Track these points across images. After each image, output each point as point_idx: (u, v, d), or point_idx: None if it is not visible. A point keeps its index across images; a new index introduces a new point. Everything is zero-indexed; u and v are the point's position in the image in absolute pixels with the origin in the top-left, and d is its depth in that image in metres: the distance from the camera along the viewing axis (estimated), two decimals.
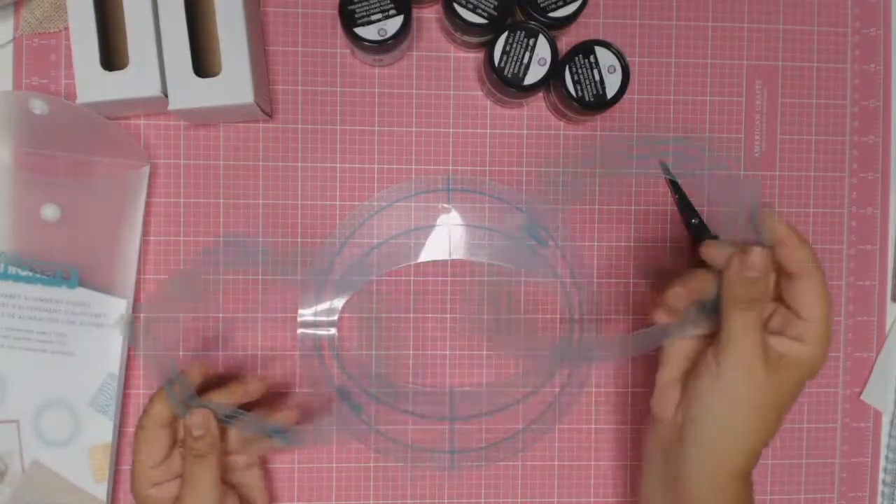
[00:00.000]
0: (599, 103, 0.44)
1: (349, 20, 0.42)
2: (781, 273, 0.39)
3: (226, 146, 0.47)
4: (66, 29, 0.46)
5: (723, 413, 0.38)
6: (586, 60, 0.44)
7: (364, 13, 0.42)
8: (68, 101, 0.43)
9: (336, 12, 0.42)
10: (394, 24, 0.42)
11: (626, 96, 0.44)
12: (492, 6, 0.43)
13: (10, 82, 0.46)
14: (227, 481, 0.44)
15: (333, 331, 0.48)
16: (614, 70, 0.44)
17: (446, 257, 0.48)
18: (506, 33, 0.43)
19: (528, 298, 0.49)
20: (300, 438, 0.44)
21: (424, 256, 0.48)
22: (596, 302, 0.49)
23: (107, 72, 0.42)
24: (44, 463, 0.46)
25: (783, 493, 0.51)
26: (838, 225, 0.51)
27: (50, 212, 0.45)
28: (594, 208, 0.49)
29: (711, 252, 0.40)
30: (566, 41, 0.48)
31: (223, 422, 0.41)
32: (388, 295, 0.48)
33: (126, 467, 0.47)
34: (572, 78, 0.44)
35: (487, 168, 0.49)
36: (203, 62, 0.44)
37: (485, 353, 0.49)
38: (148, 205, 0.47)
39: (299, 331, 0.48)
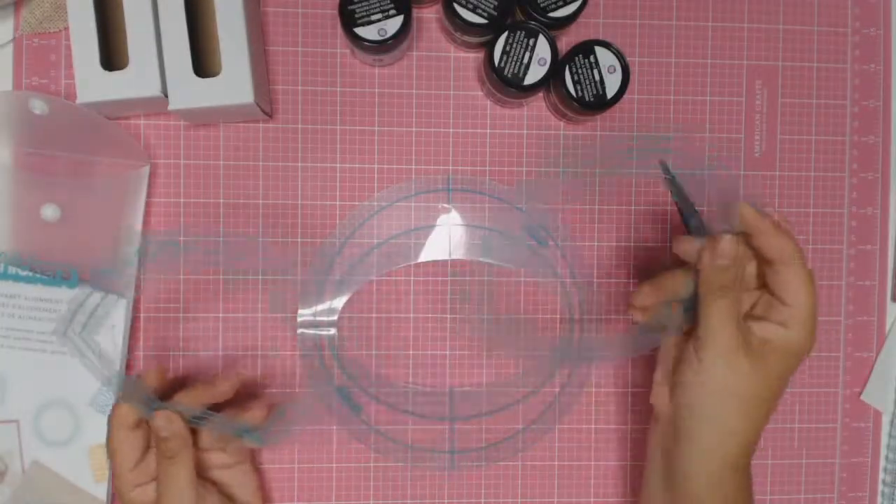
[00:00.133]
0: (599, 103, 0.44)
1: (349, 20, 0.42)
2: (763, 261, 0.39)
3: (226, 146, 0.47)
4: (66, 29, 0.46)
5: (708, 407, 0.38)
6: (586, 60, 0.44)
7: (364, 13, 0.42)
8: (68, 101, 0.43)
9: (336, 12, 0.42)
10: (394, 24, 0.42)
11: (626, 96, 0.44)
12: (492, 6, 0.43)
13: (10, 82, 0.46)
14: (208, 479, 0.43)
15: (333, 331, 0.48)
16: (614, 70, 0.44)
17: (446, 257, 0.48)
18: (506, 33, 0.43)
19: (528, 298, 0.49)
20: (271, 437, 0.44)
21: (424, 256, 0.48)
22: (596, 302, 0.49)
23: (107, 72, 0.42)
24: (44, 463, 0.46)
25: (783, 493, 0.51)
26: (838, 225, 0.51)
27: (50, 212, 0.45)
28: (594, 208, 0.49)
29: (684, 247, 0.40)
30: (566, 41, 0.48)
31: (192, 423, 0.41)
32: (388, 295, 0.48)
33: None
34: (572, 78, 0.44)
35: (487, 168, 0.49)
36: (203, 62, 0.44)
37: (485, 353, 0.49)
38: (148, 205, 0.47)
39: (299, 331, 0.48)
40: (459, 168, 0.49)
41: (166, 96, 0.43)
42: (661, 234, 0.50)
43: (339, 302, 0.48)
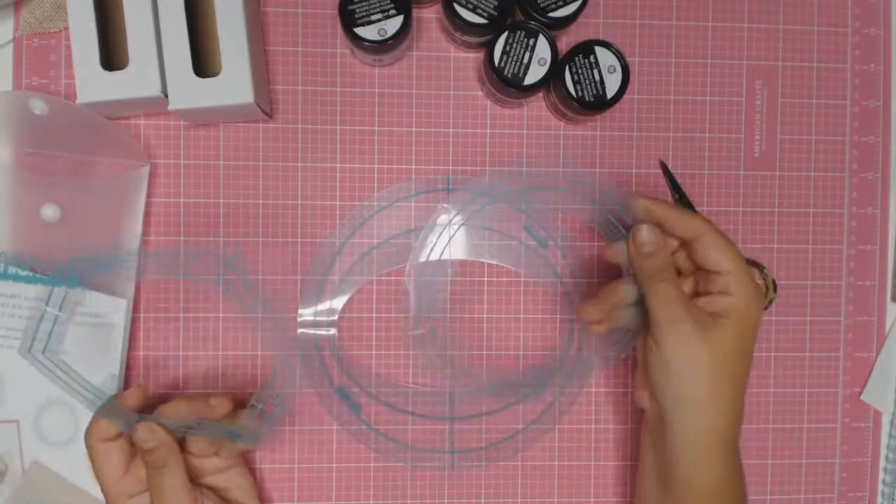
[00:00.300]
0: (599, 103, 0.44)
1: (349, 20, 0.42)
2: (684, 246, 0.41)
3: (226, 146, 0.47)
4: (66, 29, 0.46)
5: (678, 388, 0.40)
6: (586, 60, 0.44)
7: (364, 13, 0.42)
8: (68, 101, 0.43)
9: (336, 12, 0.42)
10: (394, 24, 0.42)
11: (626, 96, 0.44)
12: (492, 6, 0.43)
13: (10, 82, 0.46)
14: (202, 484, 0.43)
15: (333, 331, 0.48)
16: (614, 70, 0.44)
17: (446, 257, 0.48)
18: (506, 33, 0.43)
19: (527, 298, 0.49)
20: (263, 437, 0.44)
21: (424, 256, 0.48)
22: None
23: (107, 72, 0.42)
24: (44, 463, 0.46)
25: (783, 493, 0.51)
26: (838, 225, 0.51)
27: (50, 212, 0.45)
28: (594, 209, 0.49)
29: (612, 251, 0.42)
30: (566, 41, 0.48)
31: (181, 432, 0.41)
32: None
33: None
34: (572, 78, 0.44)
35: (487, 168, 0.49)
36: (203, 62, 0.44)
37: (485, 353, 0.49)
38: (148, 205, 0.47)
39: (299, 331, 0.48)
40: (459, 168, 0.49)
41: (166, 96, 0.43)
42: None
43: (339, 302, 0.48)
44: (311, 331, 0.48)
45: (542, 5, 0.43)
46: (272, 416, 0.42)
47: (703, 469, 0.40)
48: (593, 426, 0.50)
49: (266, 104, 0.46)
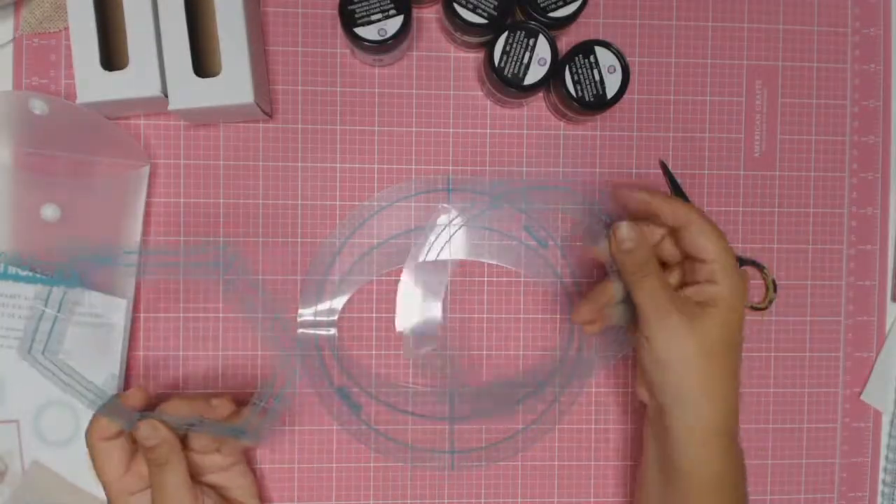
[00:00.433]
0: (599, 103, 0.44)
1: (349, 20, 0.42)
2: (672, 234, 0.42)
3: (226, 146, 0.47)
4: (66, 29, 0.46)
5: (671, 380, 0.40)
6: (586, 60, 0.44)
7: (364, 13, 0.42)
8: (68, 101, 0.43)
9: (336, 12, 0.42)
10: (394, 24, 0.42)
11: (626, 96, 0.44)
12: (492, 6, 0.43)
13: (10, 82, 0.46)
14: (203, 482, 0.43)
15: (333, 331, 0.48)
16: (614, 70, 0.44)
17: (446, 257, 0.48)
18: (506, 33, 0.43)
19: (527, 298, 0.49)
20: (265, 434, 0.44)
21: (424, 256, 0.48)
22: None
23: (107, 72, 0.42)
24: (44, 463, 0.46)
25: (783, 493, 0.51)
26: (838, 225, 0.51)
27: (50, 212, 0.45)
28: (594, 209, 0.49)
29: (595, 252, 0.42)
30: (566, 41, 0.48)
31: (184, 429, 0.41)
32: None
33: None
34: (572, 78, 0.44)
35: (487, 168, 0.49)
36: (203, 62, 0.44)
37: (485, 353, 0.49)
38: (148, 205, 0.47)
39: (299, 331, 0.48)
40: (459, 168, 0.49)
41: (166, 96, 0.43)
42: None
43: (339, 302, 0.48)
44: (311, 331, 0.48)
45: (542, 5, 0.43)
46: (274, 413, 0.42)
47: (702, 462, 0.40)
48: (593, 426, 0.50)
49: (266, 104, 0.46)
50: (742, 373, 0.42)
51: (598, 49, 0.44)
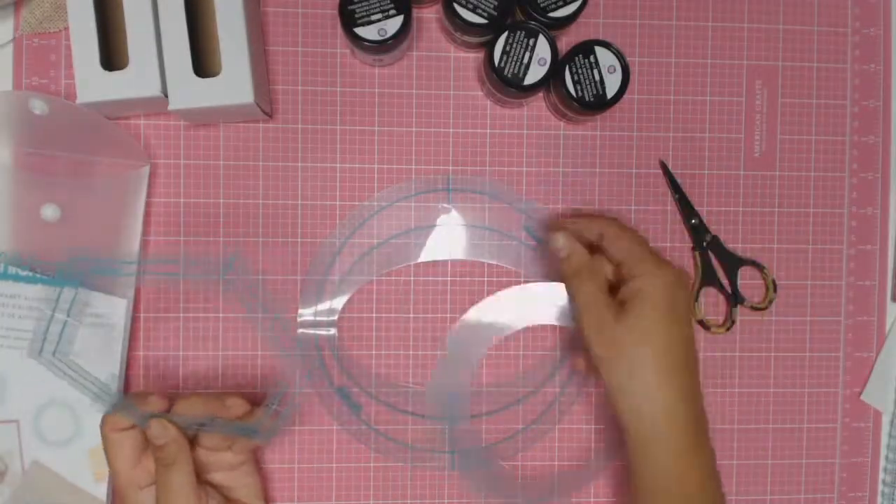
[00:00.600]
0: (599, 103, 0.44)
1: (349, 20, 0.42)
2: (595, 249, 0.44)
3: (226, 146, 0.47)
4: (66, 29, 0.46)
5: (609, 383, 0.41)
6: (586, 60, 0.44)
7: (364, 13, 0.42)
8: (68, 101, 0.43)
9: (336, 12, 0.42)
10: (394, 24, 0.42)
11: (626, 96, 0.44)
12: (492, 6, 0.43)
13: (10, 82, 0.46)
14: (209, 481, 0.43)
15: (333, 331, 0.48)
16: (614, 70, 0.44)
17: (446, 257, 0.48)
18: (506, 33, 0.43)
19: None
20: (276, 433, 0.44)
21: (424, 256, 0.48)
22: None
23: (107, 72, 0.42)
24: (44, 463, 0.46)
25: (783, 493, 0.51)
26: (838, 225, 0.51)
27: (50, 212, 0.45)
28: (594, 208, 0.49)
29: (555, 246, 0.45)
30: (566, 41, 0.48)
31: (196, 430, 0.41)
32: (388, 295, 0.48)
33: None
34: (572, 78, 0.44)
35: (487, 168, 0.49)
36: (203, 62, 0.44)
37: (484, 353, 0.49)
38: (148, 205, 0.47)
39: (299, 331, 0.48)
40: (459, 168, 0.49)
41: (166, 96, 0.42)
42: (661, 234, 0.50)
43: (339, 302, 0.48)
44: (311, 331, 0.48)
45: (542, 5, 0.43)
46: (286, 415, 0.43)
47: (659, 475, 0.40)
48: (593, 426, 0.50)
49: (266, 104, 0.46)
50: (697, 366, 0.42)
51: (598, 49, 0.44)
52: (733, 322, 0.50)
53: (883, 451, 0.51)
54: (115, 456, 0.41)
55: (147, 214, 0.47)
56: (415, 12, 0.46)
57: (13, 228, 0.45)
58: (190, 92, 0.42)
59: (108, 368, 0.46)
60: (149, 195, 0.47)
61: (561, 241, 0.44)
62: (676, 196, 0.49)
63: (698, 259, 0.49)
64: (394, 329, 0.48)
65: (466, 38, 0.45)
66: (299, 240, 0.48)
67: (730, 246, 0.50)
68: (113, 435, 0.41)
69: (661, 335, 0.40)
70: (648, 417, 0.40)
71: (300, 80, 0.48)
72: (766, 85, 0.50)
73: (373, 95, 0.48)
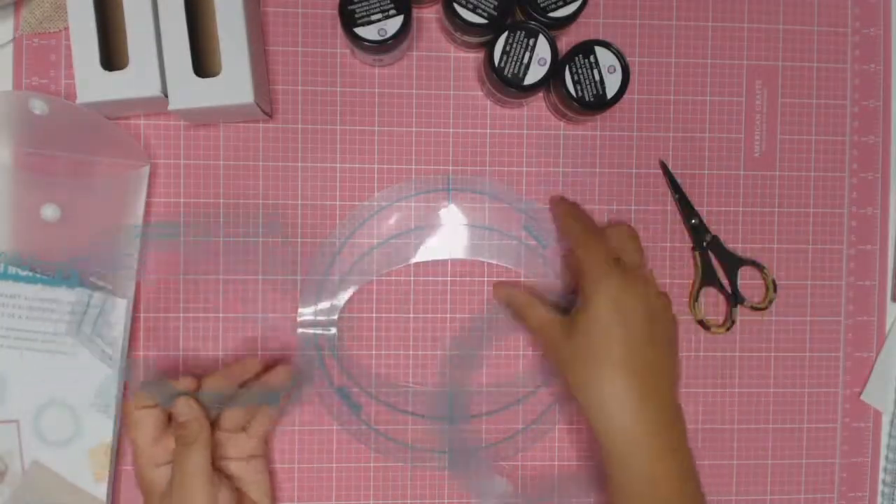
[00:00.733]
0: (599, 103, 0.44)
1: (349, 20, 0.42)
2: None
3: (226, 146, 0.47)
4: (66, 29, 0.46)
5: (573, 390, 0.42)
6: (586, 60, 0.44)
7: (364, 13, 0.42)
8: (68, 101, 0.43)
9: (336, 12, 0.42)
10: (394, 24, 0.42)
11: (626, 96, 0.44)
12: (492, 6, 0.43)
13: (10, 82, 0.46)
14: (223, 470, 0.44)
15: (333, 331, 0.48)
16: (614, 70, 0.44)
17: (446, 257, 0.48)
18: (506, 33, 0.43)
19: None
20: (293, 397, 0.46)
21: (424, 256, 0.48)
22: None
23: (107, 72, 0.42)
24: (44, 463, 0.46)
25: (783, 493, 0.51)
26: (838, 225, 0.51)
27: (50, 212, 0.45)
28: (594, 208, 0.49)
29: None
30: (566, 41, 0.48)
31: (214, 408, 0.43)
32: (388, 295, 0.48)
33: (126, 467, 0.47)
34: (572, 78, 0.44)
35: (487, 168, 0.49)
36: (203, 62, 0.44)
37: (484, 353, 0.49)
38: (148, 205, 0.47)
39: (299, 331, 0.48)
40: (459, 168, 0.49)
41: (166, 96, 0.43)
42: (661, 234, 0.50)
43: (339, 302, 0.48)
44: (310, 331, 0.48)
45: (542, 5, 0.43)
46: (304, 375, 0.46)
47: (634, 481, 0.40)
48: None
49: (266, 104, 0.46)
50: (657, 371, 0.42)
51: (598, 49, 0.44)
52: (733, 322, 0.50)
53: (883, 451, 0.51)
54: (137, 431, 0.42)
55: (147, 214, 0.47)
56: (415, 12, 0.46)
57: (13, 228, 0.45)
58: (190, 92, 0.42)
59: (108, 368, 0.46)
60: (149, 195, 0.47)
61: (499, 293, 0.48)
62: (676, 196, 0.49)
63: (698, 259, 0.49)
64: (394, 329, 0.48)
65: (466, 38, 0.45)
66: (299, 240, 0.48)
67: (730, 246, 0.50)
68: (138, 412, 0.42)
69: (613, 346, 0.40)
70: (618, 428, 0.40)
71: (300, 80, 0.48)
72: (766, 85, 0.50)
73: (373, 95, 0.48)
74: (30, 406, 0.45)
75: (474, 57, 0.48)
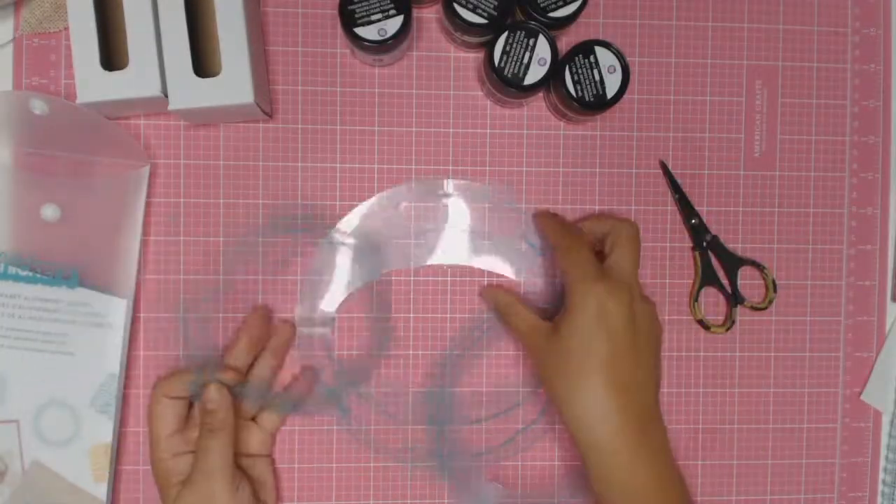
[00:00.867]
0: (599, 103, 0.44)
1: (349, 20, 0.42)
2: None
3: (226, 146, 0.47)
4: (66, 29, 0.46)
5: (552, 394, 0.42)
6: (586, 60, 0.44)
7: (364, 13, 0.42)
8: (68, 101, 0.43)
9: (336, 12, 0.42)
10: (394, 24, 0.42)
11: (626, 96, 0.44)
12: (492, 6, 0.43)
13: (10, 82, 0.46)
14: (241, 467, 0.44)
15: (332, 331, 0.48)
16: (614, 70, 0.44)
17: (446, 257, 0.48)
18: (506, 33, 0.43)
19: (527, 299, 0.49)
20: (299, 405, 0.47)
21: (424, 257, 0.48)
22: None
23: (107, 72, 0.42)
24: (44, 463, 0.46)
25: (783, 493, 0.51)
26: (838, 225, 0.51)
27: (50, 212, 0.45)
28: (594, 208, 0.49)
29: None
30: (566, 41, 0.48)
31: (258, 400, 0.44)
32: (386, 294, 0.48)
33: (126, 467, 0.47)
34: (572, 78, 0.44)
35: (487, 168, 0.49)
36: (203, 62, 0.44)
37: (484, 353, 0.49)
38: (148, 205, 0.47)
39: (299, 330, 0.48)
40: (459, 168, 0.49)
41: (166, 96, 0.43)
42: (661, 234, 0.50)
43: (339, 302, 0.48)
44: (310, 330, 0.48)
45: (542, 5, 0.43)
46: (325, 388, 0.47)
47: (615, 485, 0.40)
48: None
49: (266, 104, 0.46)
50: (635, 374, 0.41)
51: (598, 49, 0.44)
52: (733, 322, 0.50)
53: (883, 451, 0.51)
54: (158, 419, 0.43)
55: (147, 214, 0.47)
56: (415, 12, 0.46)
57: (13, 228, 0.45)
58: (190, 92, 0.42)
59: (107, 369, 0.46)
60: (149, 195, 0.47)
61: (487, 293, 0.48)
62: (676, 196, 0.49)
63: (698, 259, 0.49)
64: (394, 330, 0.48)
65: (466, 38, 0.45)
66: (299, 240, 0.48)
67: (730, 246, 0.50)
68: (165, 399, 0.43)
69: (593, 357, 0.40)
70: (597, 440, 0.40)
71: (300, 80, 0.48)
72: (766, 85, 0.50)
73: (373, 95, 0.48)
74: (30, 406, 0.45)
75: (474, 57, 0.48)
